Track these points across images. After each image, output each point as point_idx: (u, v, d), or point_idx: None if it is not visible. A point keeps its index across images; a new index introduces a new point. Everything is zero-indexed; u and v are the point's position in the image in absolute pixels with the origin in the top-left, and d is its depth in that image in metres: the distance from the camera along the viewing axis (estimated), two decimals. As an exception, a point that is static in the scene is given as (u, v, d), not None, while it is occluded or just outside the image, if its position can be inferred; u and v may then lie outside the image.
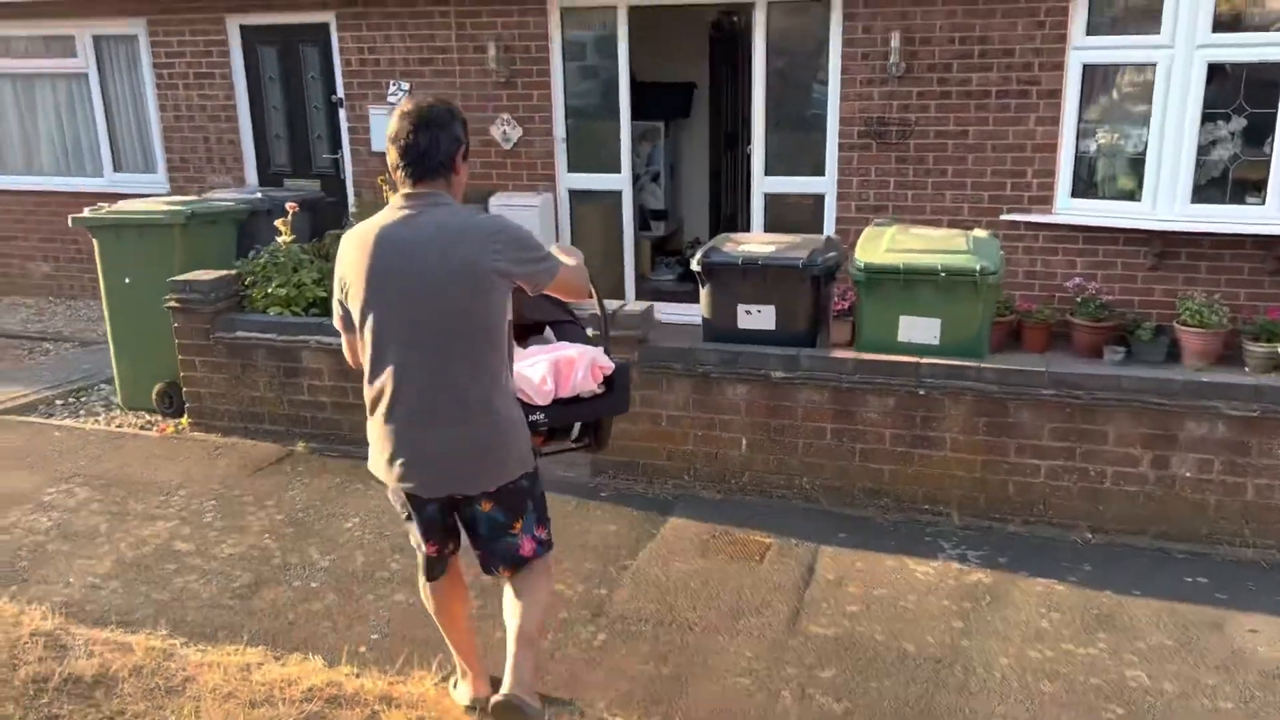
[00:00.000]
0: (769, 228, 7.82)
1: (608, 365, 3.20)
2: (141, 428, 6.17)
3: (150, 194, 8.44)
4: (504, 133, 8.30)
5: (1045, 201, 7.24)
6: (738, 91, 9.75)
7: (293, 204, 6.17)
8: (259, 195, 6.90)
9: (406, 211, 2.77)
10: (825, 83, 7.58)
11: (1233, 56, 6.67)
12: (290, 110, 9.12)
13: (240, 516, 4.83)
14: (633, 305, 5.19)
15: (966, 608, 3.96)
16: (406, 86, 8.44)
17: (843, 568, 4.29)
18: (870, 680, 3.49)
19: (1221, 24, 6.63)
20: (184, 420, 6.08)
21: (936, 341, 4.84)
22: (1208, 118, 6.78)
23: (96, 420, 6.31)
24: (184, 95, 9.20)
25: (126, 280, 6.14)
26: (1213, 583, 4.15)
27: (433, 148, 2.76)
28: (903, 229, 5.24)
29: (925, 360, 4.69)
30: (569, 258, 2.99)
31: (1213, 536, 4.46)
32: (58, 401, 6.71)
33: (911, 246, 4.95)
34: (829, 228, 7.65)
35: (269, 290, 5.79)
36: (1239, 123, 6.77)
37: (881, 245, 5.00)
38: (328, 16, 8.59)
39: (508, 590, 3.06)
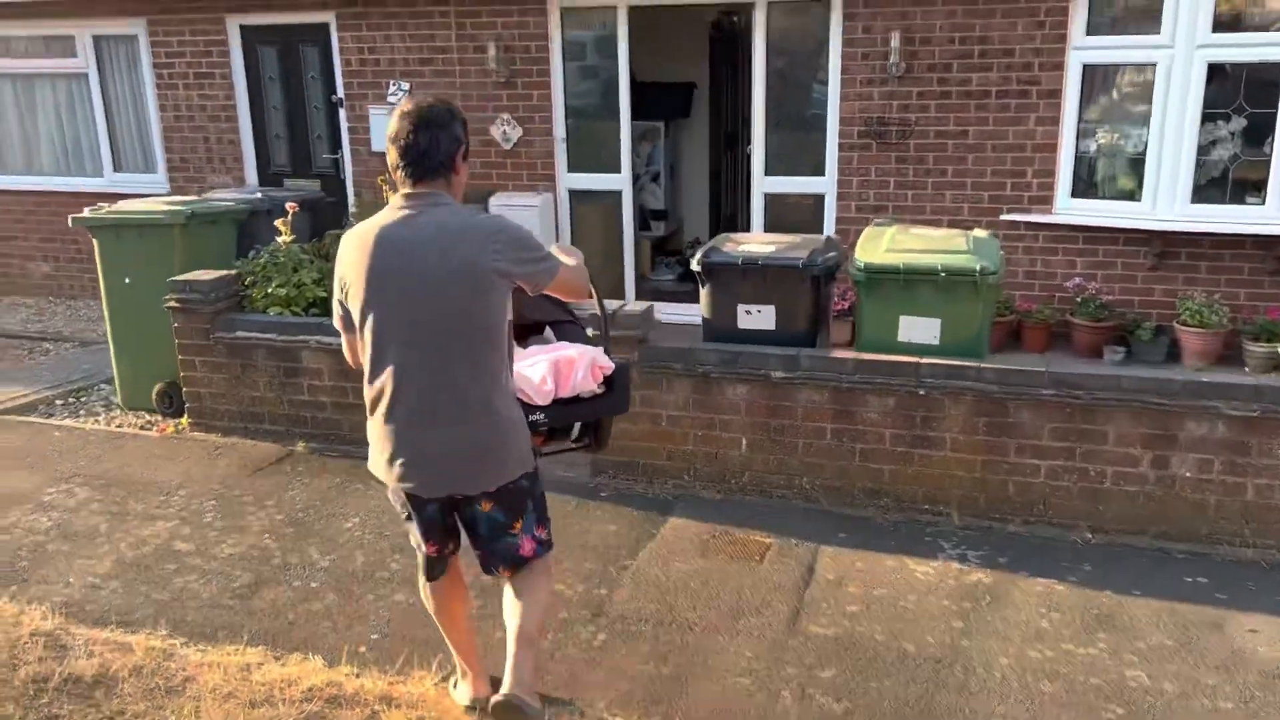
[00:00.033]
0: (769, 228, 7.82)
1: (608, 365, 3.20)
2: (141, 428, 6.17)
3: (150, 194, 8.44)
4: (504, 133, 8.30)
5: (1045, 201, 7.24)
6: (738, 91, 9.74)
7: (293, 204, 6.17)
8: (259, 195, 6.90)
9: (406, 211, 2.77)
10: (825, 83, 7.58)
11: (1233, 56, 6.67)
12: (290, 110, 9.12)
13: (240, 516, 4.83)
14: (633, 305, 5.19)
15: (966, 608, 3.96)
16: (406, 86, 8.43)
17: (843, 568, 4.29)
18: (870, 680, 3.49)
19: (1221, 24, 6.63)
20: (184, 420, 6.08)
21: (936, 341, 4.84)
22: (1208, 118, 6.78)
23: (96, 420, 6.31)
24: (184, 95, 9.20)
25: (126, 280, 6.14)
26: (1213, 583, 4.15)
27: (433, 148, 2.76)
28: (903, 229, 5.24)
29: (925, 360, 4.69)
30: (569, 258, 2.99)
31: (1213, 536, 4.46)
32: (58, 401, 6.71)
33: (911, 246, 4.95)
34: (829, 228, 7.65)
35: (269, 290, 5.79)
36: (1239, 123, 6.77)
37: (881, 245, 5.00)
38: (328, 16, 8.59)
39: (508, 590, 3.06)
